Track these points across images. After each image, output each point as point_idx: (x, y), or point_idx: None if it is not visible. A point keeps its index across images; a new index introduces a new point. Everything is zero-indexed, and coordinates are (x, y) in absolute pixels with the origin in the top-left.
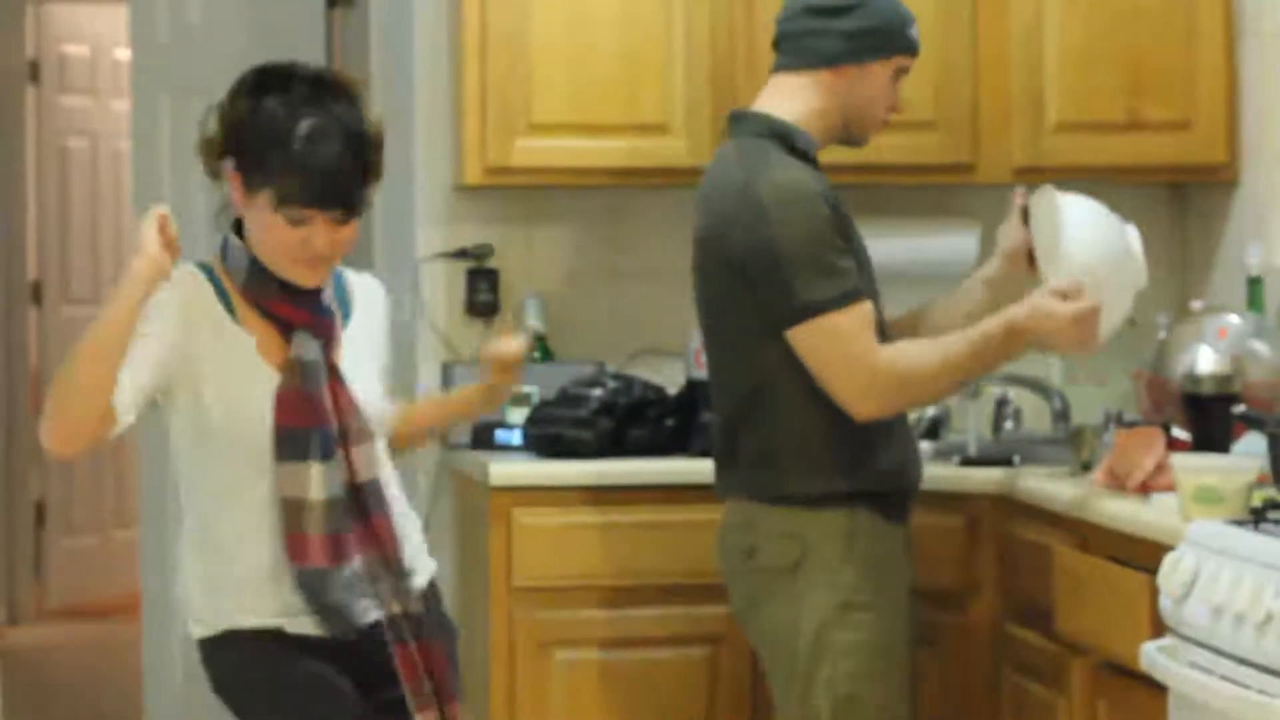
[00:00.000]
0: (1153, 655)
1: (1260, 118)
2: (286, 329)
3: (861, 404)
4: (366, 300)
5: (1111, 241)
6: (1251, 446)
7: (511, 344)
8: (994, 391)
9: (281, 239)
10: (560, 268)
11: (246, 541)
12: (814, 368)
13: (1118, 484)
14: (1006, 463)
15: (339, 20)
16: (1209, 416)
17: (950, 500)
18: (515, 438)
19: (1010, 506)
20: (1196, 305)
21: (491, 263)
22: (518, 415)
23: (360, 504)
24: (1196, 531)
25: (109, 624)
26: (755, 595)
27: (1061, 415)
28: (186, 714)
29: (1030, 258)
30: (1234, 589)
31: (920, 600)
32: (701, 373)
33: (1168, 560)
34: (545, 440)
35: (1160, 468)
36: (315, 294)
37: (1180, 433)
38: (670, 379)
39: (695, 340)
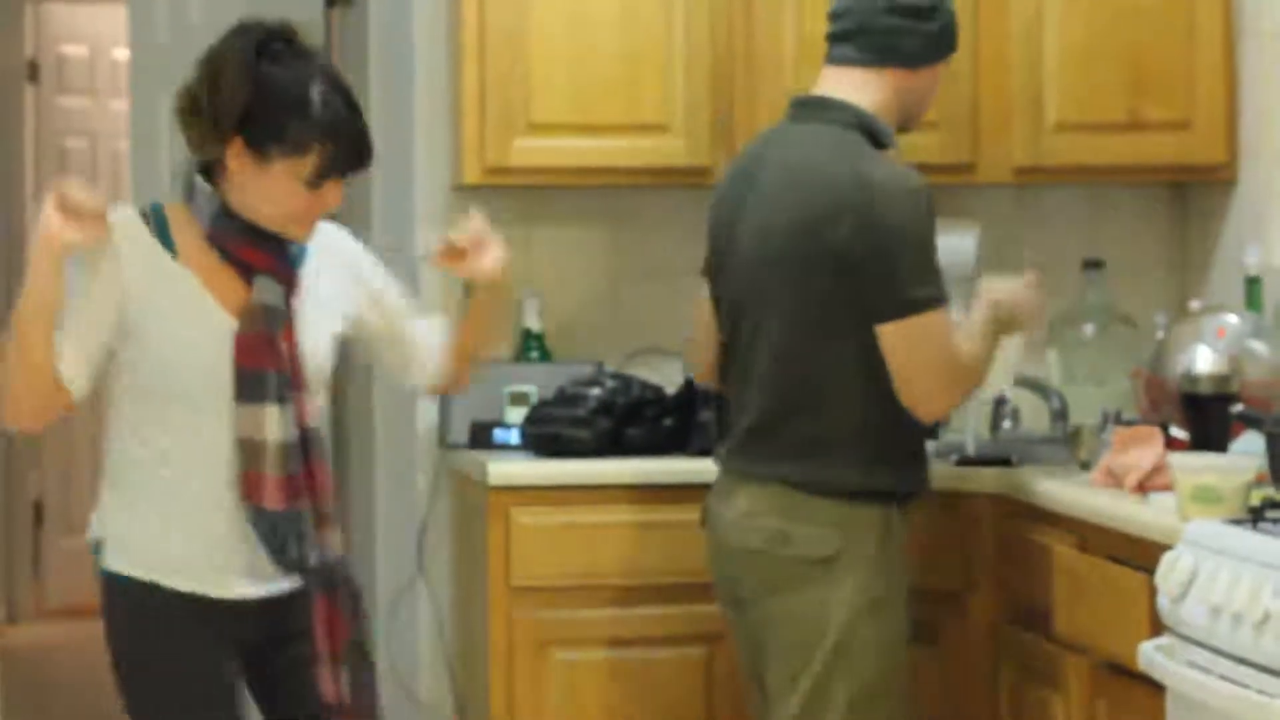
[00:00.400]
0: (1151, 655)
1: (1259, 118)
2: (248, 272)
3: (936, 403)
4: (324, 247)
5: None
6: (1249, 446)
7: (467, 227)
8: (992, 391)
9: (296, 204)
10: (559, 267)
11: (194, 481)
12: (899, 363)
13: (1116, 483)
14: (1005, 462)
15: (338, 20)
16: (1207, 416)
17: (949, 500)
18: (513, 437)
19: (1009, 506)
20: (1195, 305)
21: None
22: (516, 415)
23: (306, 450)
24: (1195, 531)
25: None
26: (777, 581)
27: (1060, 415)
28: None
29: None
30: (1232, 588)
31: (919, 600)
32: None
33: (1166, 559)
34: (543, 440)
35: (1158, 467)
36: (280, 240)
37: (1178, 432)
38: (669, 379)
39: None
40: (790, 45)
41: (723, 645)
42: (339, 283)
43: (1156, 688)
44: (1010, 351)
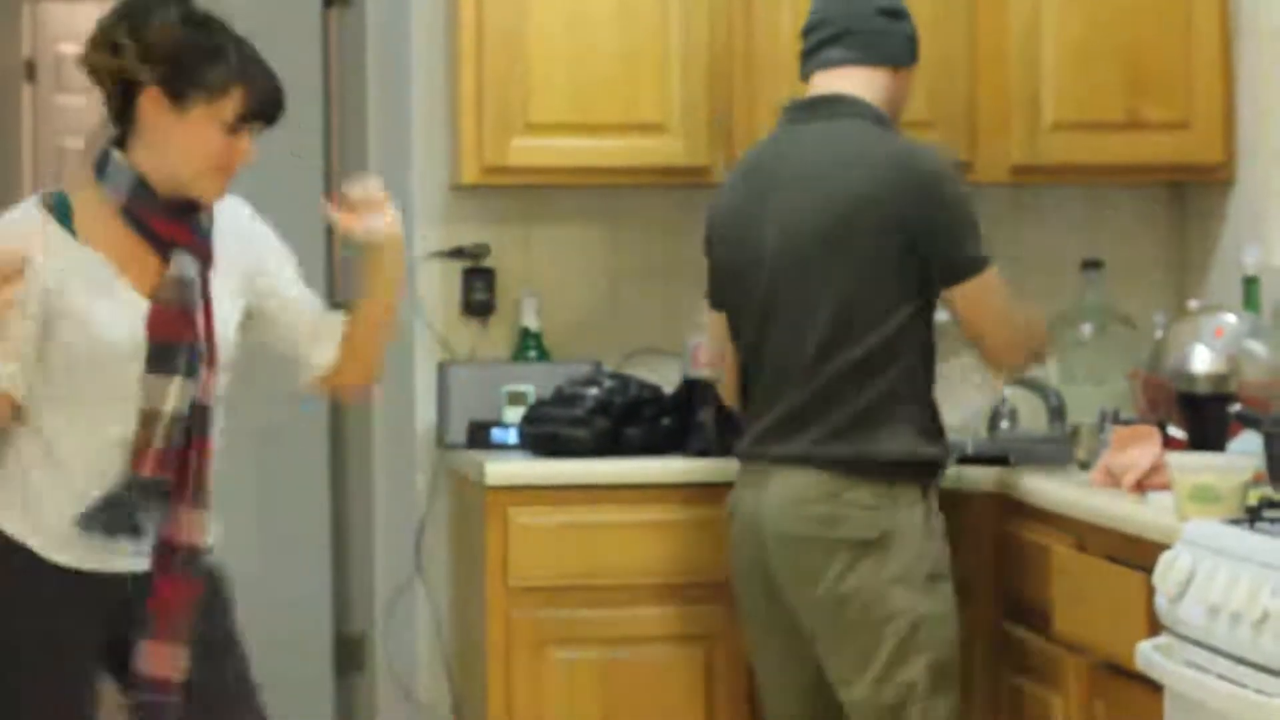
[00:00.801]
0: (1149, 654)
1: (1258, 117)
2: (164, 247)
3: (1016, 353)
4: (229, 226)
5: None
6: (1247, 445)
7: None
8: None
9: (212, 148)
10: (557, 267)
11: (86, 456)
12: (976, 319)
13: (1114, 483)
14: (1003, 462)
15: (335, 20)
16: (1205, 415)
17: (947, 499)
18: (511, 437)
19: (1007, 505)
20: (1193, 304)
21: (488, 262)
22: (514, 414)
23: (198, 424)
24: (1193, 530)
25: None
26: (827, 565)
27: (1058, 414)
28: None
29: None
30: (1230, 588)
31: None
32: (699, 371)
33: (1164, 559)
34: (541, 439)
35: (1156, 467)
36: (195, 215)
37: (1176, 432)
38: (666, 378)
39: (693, 339)
40: (788, 45)
41: (721, 644)
42: (241, 261)
43: (1154, 687)
44: None
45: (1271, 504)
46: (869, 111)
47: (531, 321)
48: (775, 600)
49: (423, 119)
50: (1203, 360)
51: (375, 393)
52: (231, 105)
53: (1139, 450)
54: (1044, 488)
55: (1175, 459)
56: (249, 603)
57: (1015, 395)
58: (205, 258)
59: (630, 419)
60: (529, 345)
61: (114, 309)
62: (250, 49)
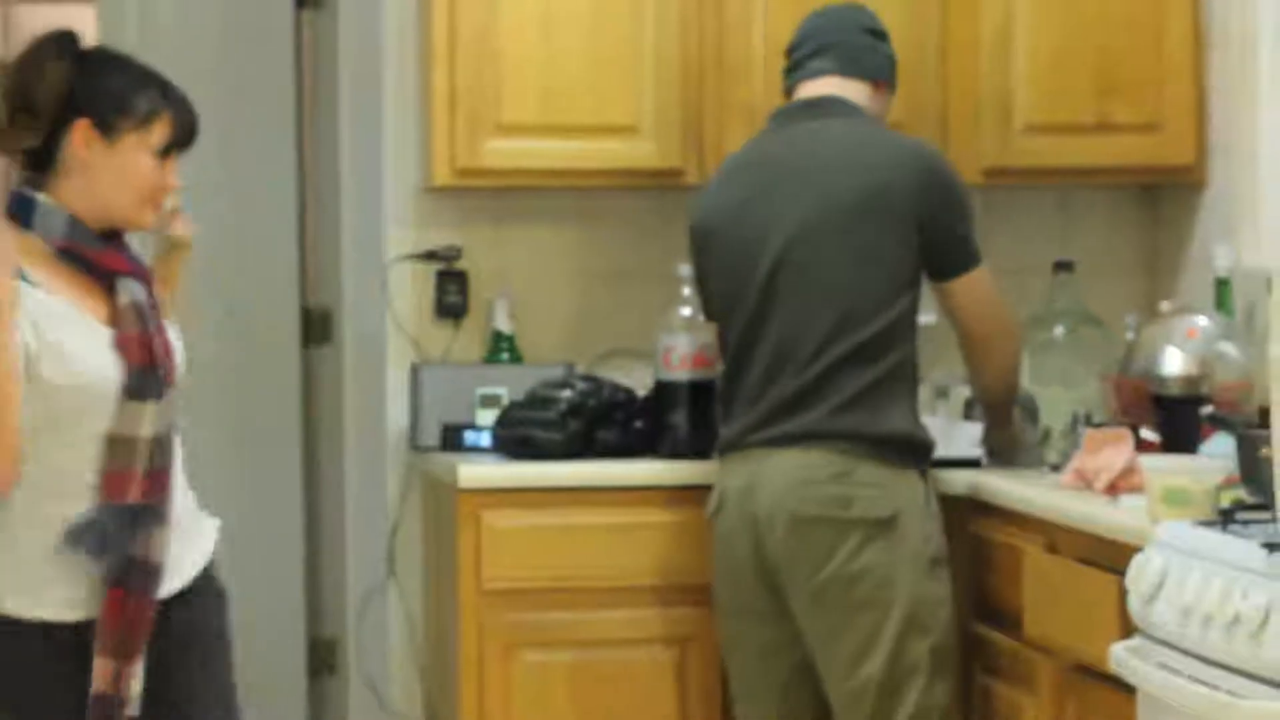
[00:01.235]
0: (1121, 656)
1: (1228, 120)
2: (107, 278)
3: (1009, 341)
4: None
5: None
6: (1219, 448)
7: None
8: (962, 392)
9: (147, 179)
10: (529, 269)
11: (56, 496)
12: (977, 307)
13: (1086, 485)
14: (974, 464)
15: (307, 21)
16: (1177, 418)
17: None
18: (484, 439)
19: (978, 508)
20: (1165, 306)
21: (460, 264)
22: (487, 417)
23: (168, 446)
24: (1165, 532)
25: None
26: (835, 545)
27: (1030, 416)
28: None
29: None
30: (1202, 590)
31: None
32: (672, 374)
33: (1136, 561)
34: (514, 442)
35: (1129, 469)
36: (123, 242)
37: (1149, 434)
38: (640, 380)
39: (664, 341)
40: (760, 48)
41: (693, 647)
42: None
43: (1127, 689)
44: None
45: (1243, 506)
46: (858, 111)
47: (504, 324)
48: (769, 589)
49: (395, 121)
50: (1175, 362)
51: (346, 395)
52: (159, 130)
53: (1111, 452)
54: (1016, 490)
55: (1148, 461)
56: None
57: None
58: (148, 281)
59: (603, 421)
60: (502, 347)
61: (88, 343)
62: (163, 77)
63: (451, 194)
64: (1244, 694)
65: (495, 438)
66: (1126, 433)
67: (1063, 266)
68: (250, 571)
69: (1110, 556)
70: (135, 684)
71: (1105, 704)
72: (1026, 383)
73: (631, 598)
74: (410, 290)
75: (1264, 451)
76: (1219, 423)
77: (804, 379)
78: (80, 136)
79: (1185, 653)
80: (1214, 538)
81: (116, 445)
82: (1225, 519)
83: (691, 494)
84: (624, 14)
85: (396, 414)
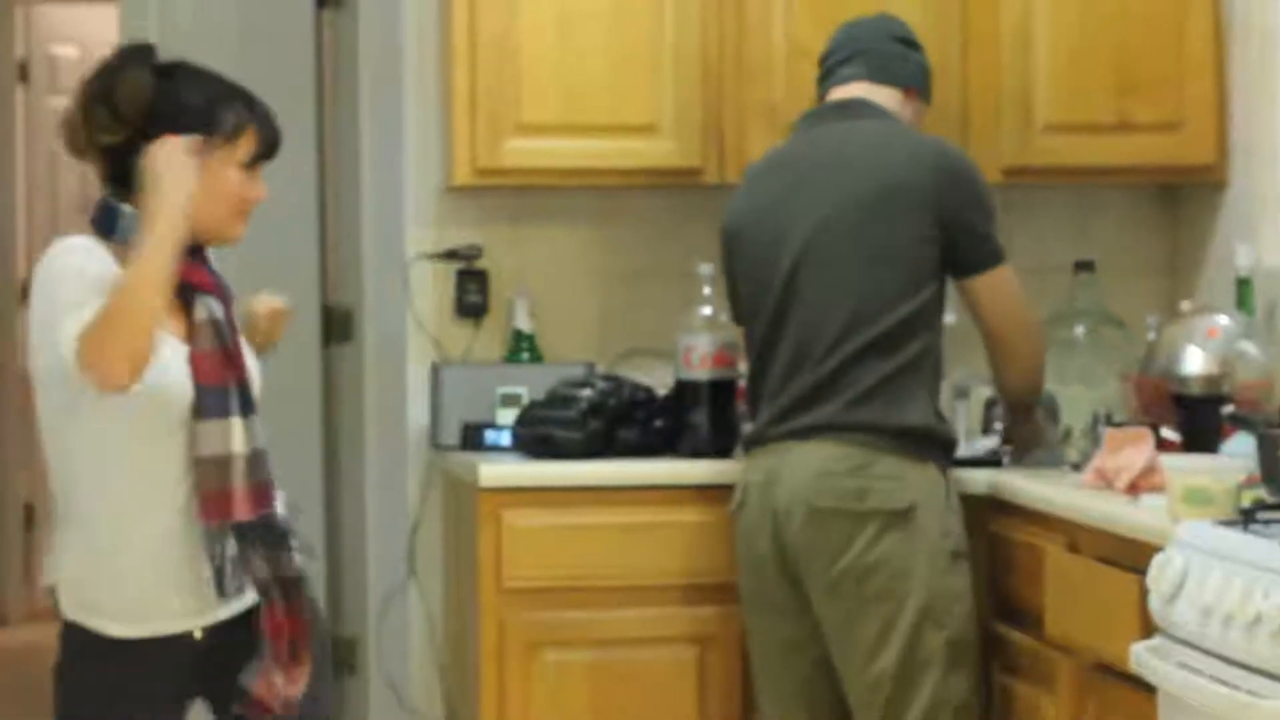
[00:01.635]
0: (1142, 656)
1: (1249, 119)
2: (186, 294)
3: (1032, 340)
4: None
5: None
6: (1240, 447)
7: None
8: (983, 392)
9: (236, 191)
10: (549, 268)
11: (150, 511)
12: (999, 305)
13: (1107, 485)
14: (996, 463)
15: (328, 21)
16: (1198, 417)
17: None
18: (504, 439)
19: (999, 507)
20: (1186, 306)
21: (481, 264)
22: (507, 416)
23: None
24: (1185, 532)
25: None
26: (853, 537)
27: (1051, 416)
28: None
29: None
30: (1223, 590)
31: None
32: (692, 373)
33: (1157, 561)
34: (534, 441)
35: (1149, 468)
36: (205, 258)
37: (1169, 433)
38: (660, 380)
39: (684, 340)
40: (780, 47)
41: (714, 646)
42: None
43: (1147, 689)
44: None
45: (1264, 506)
46: (885, 114)
47: (524, 323)
48: (790, 582)
49: (415, 120)
50: (1195, 362)
51: (366, 395)
52: (245, 145)
53: (1132, 452)
54: (1037, 490)
55: (1168, 461)
56: None
57: None
58: (226, 299)
59: (623, 421)
60: (522, 347)
61: (170, 355)
62: (247, 90)
63: (472, 193)
64: (1265, 694)
65: (516, 437)
66: (1147, 432)
67: (1083, 266)
68: None
69: (1131, 556)
70: (288, 693)
71: (1125, 704)
72: (1047, 382)
73: (651, 597)
74: (431, 289)
75: None
76: (1240, 422)
77: (820, 373)
78: None
79: (1206, 652)
80: (1235, 537)
81: (204, 465)
82: (1246, 518)
83: (712, 493)
84: (644, 13)
85: (417, 413)
